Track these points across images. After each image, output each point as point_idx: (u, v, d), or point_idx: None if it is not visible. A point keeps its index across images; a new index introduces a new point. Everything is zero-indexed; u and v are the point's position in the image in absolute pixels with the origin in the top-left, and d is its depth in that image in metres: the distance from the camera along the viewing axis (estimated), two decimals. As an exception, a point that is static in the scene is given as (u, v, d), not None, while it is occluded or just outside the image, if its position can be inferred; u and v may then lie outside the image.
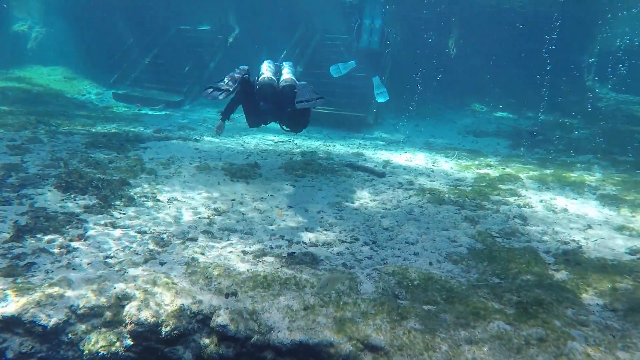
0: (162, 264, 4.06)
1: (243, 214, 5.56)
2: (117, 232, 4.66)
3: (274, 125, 12.67)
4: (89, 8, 18.41)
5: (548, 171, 8.69)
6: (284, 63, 7.24)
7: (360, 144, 10.90)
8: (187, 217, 5.35)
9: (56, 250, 4.12)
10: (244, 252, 4.45)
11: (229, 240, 4.78)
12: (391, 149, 10.44)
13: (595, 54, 21.04)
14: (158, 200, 5.81)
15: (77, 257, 4.07)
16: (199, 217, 5.35)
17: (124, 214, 5.22)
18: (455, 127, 14.66)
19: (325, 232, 5.18)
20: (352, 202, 6.33)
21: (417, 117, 15.10)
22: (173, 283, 3.68)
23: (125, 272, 3.85)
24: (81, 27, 18.63)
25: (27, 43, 19.28)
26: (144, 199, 5.78)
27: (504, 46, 17.46)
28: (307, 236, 5.01)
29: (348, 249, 4.76)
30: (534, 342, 3.21)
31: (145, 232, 4.77)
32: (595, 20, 18.96)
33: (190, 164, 7.53)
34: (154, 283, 3.64)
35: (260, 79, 6.62)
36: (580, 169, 8.96)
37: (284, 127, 7.24)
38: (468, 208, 6.32)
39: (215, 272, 3.88)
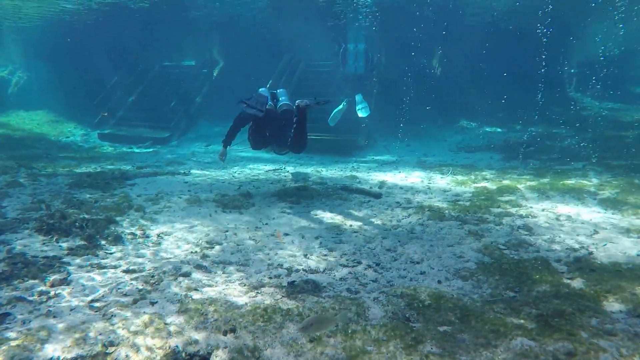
0: (152, 303, 3.76)
1: (238, 244, 5.29)
2: (104, 274, 4.36)
3: (264, 154, 12.57)
4: (69, 50, 18.36)
5: (545, 180, 8.53)
6: (278, 91, 8.11)
7: (353, 167, 10.72)
8: (179, 252, 5.07)
9: (35, 298, 3.81)
10: (241, 284, 4.17)
11: (224, 273, 4.49)
12: (385, 170, 10.25)
13: (575, 65, 21.31)
14: (147, 236, 5.53)
15: (58, 303, 3.76)
16: (192, 251, 5.06)
17: (111, 253, 4.93)
18: (446, 145, 14.57)
19: (325, 258, 4.91)
20: (351, 225, 6.08)
21: (407, 137, 15.01)
22: (165, 323, 3.38)
23: (112, 315, 3.55)
24: (63, 69, 18.55)
25: (7, 89, 19.13)
26: (132, 236, 5.49)
27: (488, 62, 17.63)
28: (307, 263, 4.74)
29: (351, 273, 4.49)
30: (562, 358, 2.95)
31: (134, 271, 4.47)
32: (575, 31, 19.27)
33: (180, 197, 7.27)
34: (145, 325, 3.35)
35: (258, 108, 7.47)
36: (577, 176, 8.80)
37: (283, 152, 8.06)
38: (470, 222, 6.09)
39: (211, 308, 3.59)
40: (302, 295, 3.88)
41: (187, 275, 4.41)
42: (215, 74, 18.10)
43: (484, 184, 8.45)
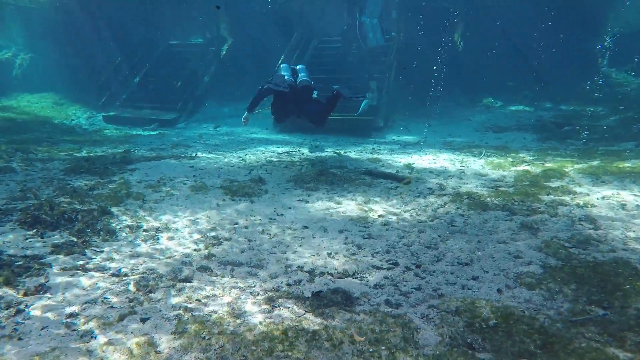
0: (143, 320, 2.97)
1: (249, 240, 4.49)
2: (89, 278, 3.58)
3: (277, 135, 11.74)
4: (73, 30, 17.54)
5: (595, 163, 7.59)
6: (298, 67, 8.75)
7: (373, 148, 9.84)
8: (180, 249, 4.28)
9: (1, 313, 3.05)
10: (253, 294, 3.37)
11: (232, 277, 3.70)
12: (409, 152, 9.37)
13: (608, 36, 20.01)
14: (145, 230, 4.76)
15: (28, 319, 3.00)
16: (195, 249, 4.28)
17: (101, 251, 4.16)
18: (470, 125, 13.58)
19: (354, 257, 4.09)
20: (380, 216, 5.24)
21: (427, 116, 14.09)
22: (157, 352, 2.60)
23: (92, 337, 2.78)
24: (67, 50, 17.76)
25: (11, 71, 18.40)
26: (128, 230, 4.72)
27: (512, 37, 16.53)
28: (332, 264, 3.93)
29: (387, 278, 3.67)
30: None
31: (125, 275, 3.69)
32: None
33: (184, 184, 6.48)
34: (130, 354, 2.57)
35: (280, 81, 8.09)
36: (631, 158, 7.84)
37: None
38: (519, 213, 5.23)
39: (216, 330, 2.80)
40: (331, 311, 3.07)
41: (187, 280, 3.63)
42: (223, 53, 17.18)
43: (524, 167, 7.54)
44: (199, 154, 8.85)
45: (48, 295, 3.33)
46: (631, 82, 17.11)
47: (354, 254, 4.18)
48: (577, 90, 15.89)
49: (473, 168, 7.60)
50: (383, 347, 2.63)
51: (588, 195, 5.86)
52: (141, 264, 3.92)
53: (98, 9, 17.29)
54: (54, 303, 3.22)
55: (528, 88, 16.55)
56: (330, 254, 4.17)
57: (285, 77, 8.23)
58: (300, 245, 4.37)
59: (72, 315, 3.03)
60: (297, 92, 8.12)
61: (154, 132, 12.95)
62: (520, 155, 8.65)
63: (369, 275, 3.73)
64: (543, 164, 7.73)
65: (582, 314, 3.02)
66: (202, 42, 17.98)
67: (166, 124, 13.93)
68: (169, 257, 4.09)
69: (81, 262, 3.88)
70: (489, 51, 16.36)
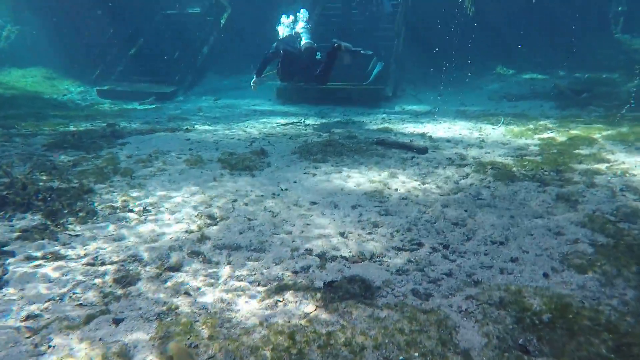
0: (117, 321, 2.43)
1: (249, 219, 3.92)
2: (58, 269, 3.04)
3: (280, 106, 11.10)
4: (64, 0, 16.71)
5: (624, 129, 6.95)
6: (301, 30, 8.69)
7: (383, 118, 9.21)
8: (170, 231, 3.73)
9: (-56, 314, 2.52)
10: (254, 284, 2.83)
11: (229, 264, 3.14)
12: (422, 121, 8.74)
13: (623, 1, 19.02)
14: (130, 210, 4.20)
15: (-23, 321, 2.46)
16: (186, 230, 3.72)
17: (77, 235, 3.61)
18: (483, 93, 12.89)
19: (371, 237, 3.53)
20: (396, 189, 4.66)
21: (438, 85, 13.38)
22: (131, 363, 2.06)
23: (48, 345, 2.24)
24: (57, 21, 16.95)
25: (-3, 44, 17.63)
26: (110, 210, 4.16)
27: (525, 2, 15.68)
28: (347, 246, 3.37)
29: (411, 261, 3.11)
30: None
31: (102, 263, 3.15)
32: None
33: (179, 158, 5.90)
34: (97, 367, 2.03)
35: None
36: (663, 122, 7.21)
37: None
38: (552, 183, 4.64)
39: (206, 332, 2.26)
40: (347, 305, 2.52)
41: (176, 268, 3.08)
42: (222, 22, 16.38)
43: (548, 134, 6.92)
44: (196, 126, 8.25)
45: (3, 292, 2.78)
46: (647, 48, 16.31)
47: (370, 232, 3.62)
48: (591, 57, 15.14)
49: (493, 136, 6.98)
50: (416, 354, 2.08)
51: (624, 163, 5.25)
52: (123, 250, 3.37)
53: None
54: (9, 302, 2.67)
55: (540, 55, 15.78)
56: (343, 233, 3.61)
57: (289, 40, 8.47)
58: (308, 224, 3.81)
59: (30, 317, 2.49)
60: (301, 54, 8.29)
61: (151, 106, 12.33)
62: (542, 122, 8.01)
63: (390, 258, 3.17)
64: (568, 131, 7.10)
65: (658, 305, 2.46)
66: (200, 12, 17.18)
67: (164, 97, 13.27)
68: (156, 241, 3.54)
69: (51, 249, 3.33)
70: (501, 17, 15.55)
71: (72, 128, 8.34)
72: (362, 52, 8.24)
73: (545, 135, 6.88)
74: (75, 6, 16.51)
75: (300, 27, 8.76)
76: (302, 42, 8.36)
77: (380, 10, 13.61)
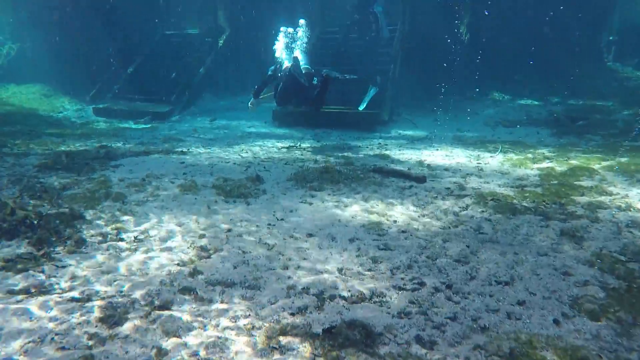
0: (100, 371, 2.27)
1: (243, 252, 3.78)
2: (41, 306, 2.87)
3: (276, 130, 11.01)
4: (64, 19, 16.70)
5: (624, 160, 6.91)
6: (299, 55, 8.83)
7: (380, 143, 9.13)
8: (161, 263, 3.58)
9: None
10: (249, 328, 2.67)
11: (222, 302, 3.00)
12: (419, 147, 8.66)
13: (614, 31, 19.27)
14: (120, 239, 4.05)
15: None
16: (178, 263, 3.57)
17: (63, 267, 3.45)
18: (479, 119, 12.89)
19: (370, 274, 3.39)
20: (395, 221, 4.54)
21: (434, 110, 13.39)
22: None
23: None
24: (57, 39, 16.92)
25: (-3, 61, 17.56)
26: (100, 238, 4.02)
27: (520, 30, 15.85)
28: (345, 284, 3.23)
29: (414, 302, 2.98)
30: None
31: (89, 299, 2.99)
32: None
33: (172, 182, 5.76)
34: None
35: (284, 68, 8.55)
36: (663, 154, 7.17)
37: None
38: (555, 217, 4.54)
39: (196, 384, 2.10)
40: (347, 354, 2.37)
41: (166, 306, 2.93)
42: (221, 43, 16.40)
43: (547, 164, 6.85)
44: (191, 148, 8.13)
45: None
46: (638, 77, 16.51)
47: (369, 269, 3.48)
48: (584, 85, 15.29)
49: (492, 165, 6.90)
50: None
51: (627, 196, 5.18)
52: (111, 283, 3.22)
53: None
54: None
55: (535, 82, 15.88)
56: (342, 269, 3.47)
57: (287, 63, 8.58)
58: (304, 259, 3.67)
59: (7, 362, 2.33)
60: (298, 79, 8.42)
61: (146, 125, 12.21)
62: (540, 151, 7.95)
63: (391, 298, 3.03)
64: (567, 160, 7.04)
65: (677, 360, 2.33)
66: (199, 33, 17.21)
67: (159, 116, 13.16)
68: (147, 274, 3.39)
69: (34, 282, 3.17)
70: (496, 44, 15.69)
71: (65, 147, 8.19)
72: (347, 77, 9.21)
73: (544, 164, 6.81)
74: (75, 24, 16.50)
75: (298, 52, 8.94)
76: (300, 67, 8.49)
77: (379, 36, 13.68)
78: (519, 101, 15.32)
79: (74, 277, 3.30)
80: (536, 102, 14.99)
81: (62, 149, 7.98)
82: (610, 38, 19.00)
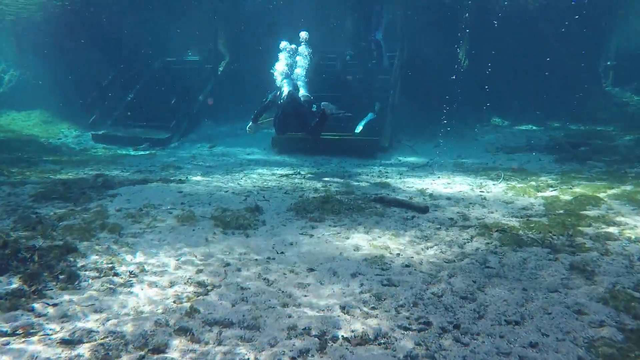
0: (89, 423, 2.13)
1: (242, 289, 3.65)
2: (28, 348, 2.73)
3: (275, 157, 10.95)
4: (65, 46, 16.82)
5: (629, 188, 6.81)
6: (299, 82, 9.14)
7: (380, 171, 9.05)
8: (157, 300, 3.44)
9: None
10: (247, 373, 2.53)
11: (219, 344, 2.85)
12: (419, 174, 8.58)
13: (612, 56, 19.45)
14: (116, 273, 3.92)
15: None
16: (175, 301, 3.43)
17: (55, 305, 3.31)
18: (479, 145, 12.87)
19: (374, 313, 3.25)
20: (398, 254, 4.41)
21: (434, 136, 13.38)
22: None
23: None
24: (58, 66, 17.02)
25: (-1, 88, 17.67)
26: (95, 273, 3.88)
27: (518, 55, 15.97)
28: (348, 324, 3.09)
29: (420, 344, 2.84)
30: None
31: (80, 342, 2.85)
32: (610, 19, 17.58)
33: (170, 213, 5.65)
34: None
35: (283, 95, 8.55)
36: (669, 182, 7.08)
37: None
38: (563, 250, 4.41)
39: None
40: (353, 405, 2.23)
41: (160, 349, 2.78)
42: (220, 70, 16.48)
43: (551, 192, 6.75)
44: (190, 176, 8.05)
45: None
46: (637, 102, 16.60)
47: (373, 307, 3.34)
48: (584, 110, 15.33)
49: (495, 194, 6.80)
50: None
51: (636, 227, 5.06)
52: (104, 323, 3.07)
53: (91, 24, 16.63)
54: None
55: (535, 107, 15.93)
56: (344, 307, 3.33)
57: (287, 90, 8.60)
58: (305, 295, 3.53)
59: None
60: (297, 106, 8.53)
61: (145, 152, 12.17)
62: (543, 178, 7.86)
63: (397, 340, 2.89)
64: (571, 189, 6.94)
65: None
66: (199, 59, 17.34)
67: (158, 143, 13.14)
68: (141, 313, 3.25)
69: (24, 322, 3.03)
70: (495, 69, 15.78)
71: (62, 176, 8.10)
72: (341, 114, 9.72)
73: (548, 193, 6.72)
74: (76, 51, 16.62)
75: (298, 75, 9.14)
76: (300, 94, 8.65)
77: (380, 63, 13.76)
78: (519, 127, 15.35)
79: (64, 316, 3.16)
80: (536, 128, 15.01)
81: (59, 177, 7.89)
82: (609, 63, 19.19)
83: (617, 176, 7.72)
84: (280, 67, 9.16)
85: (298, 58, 9.49)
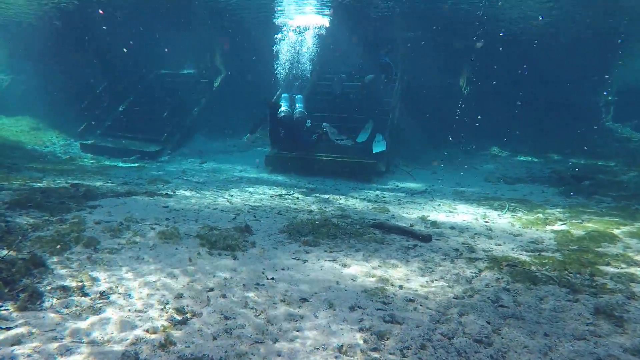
0: None
1: (226, 318, 3.20)
2: (-36, 384, 2.27)
3: (268, 176, 10.54)
4: (58, 53, 16.47)
5: (642, 225, 6.46)
6: (297, 96, 9.63)
7: (377, 195, 8.66)
8: (128, 327, 2.98)
9: None
10: None
11: (195, 388, 2.40)
12: (419, 201, 8.19)
13: (612, 92, 19.42)
14: (85, 293, 3.46)
15: None
16: (148, 329, 2.98)
17: (9, 328, 2.85)
18: (479, 174, 12.53)
19: (376, 355, 2.82)
20: (401, 287, 3.99)
21: (431, 162, 13.08)
22: None
23: None
24: (49, 73, 16.65)
25: (-12, 94, 17.18)
26: (60, 293, 3.42)
27: (520, 86, 15.86)
28: (347, 368, 2.65)
29: (432, 398, 2.40)
30: None
31: (28, 377, 2.38)
32: (610, 56, 17.59)
33: (153, 228, 5.21)
34: None
35: (280, 110, 9.03)
36: (683, 221, 6.74)
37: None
38: (583, 290, 4.01)
39: None
40: None
41: (125, 391, 2.33)
42: (216, 84, 16.17)
43: (561, 226, 6.38)
44: (178, 191, 7.61)
45: None
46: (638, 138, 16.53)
47: (375, 348, 2.91)
48: (584, 144, 15.18)
49: (500, 225, 6.42)
50: None
51: (658, 268, 4.68)
52: (62, 354, 2.62)
53: (85, 33, 16.33)
54: None
55: (534, 139, 15.76)
56: (342, 348, 2.89)
57: (284, 106, 9.04)
58: (297, 330, 3.09)
59: None
60: (292, 121, 9.00)
61: (134, 165, 11.72)
62: (549, 211, 7.51)
63: (404, 391, 2.45)
64: (582, 223, 6.58)
65: None
66: (195, 73, 17.04)
67: (148, 156, 12.72)
68: (108, 342, 2.79)
69: (-32, 350, 2.57)
70: (495, 99, 15.63)
71: (43, 184, 7.63)
72: (340, 141, 9.96)
73: (558, 227, 6.34)
74: (69, 59, 16.28)
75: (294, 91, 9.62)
76: (296, 110, 9.16)
77: (389, 85, 13.53)
78: (518, 157, 15.13)
79: (16, 344, 2.70)
80: (536, 159, 14.77)
81: (39, 185, 7.42)
82: (609, 98, 19.14)
83: (628, 212, 7.38)
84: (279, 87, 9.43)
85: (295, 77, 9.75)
